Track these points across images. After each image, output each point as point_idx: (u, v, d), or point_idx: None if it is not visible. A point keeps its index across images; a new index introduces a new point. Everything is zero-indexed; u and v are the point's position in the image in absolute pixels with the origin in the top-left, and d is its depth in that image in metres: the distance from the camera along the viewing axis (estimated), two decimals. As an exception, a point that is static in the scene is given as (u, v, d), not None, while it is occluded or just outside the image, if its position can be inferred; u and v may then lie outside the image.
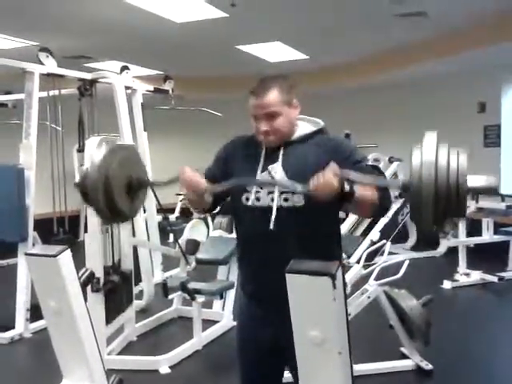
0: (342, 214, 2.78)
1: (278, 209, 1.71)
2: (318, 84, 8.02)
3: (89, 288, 3.13)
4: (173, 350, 3.61)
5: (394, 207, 6.17)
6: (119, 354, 3.69)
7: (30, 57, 4.33)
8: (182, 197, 8.93)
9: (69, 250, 1.73)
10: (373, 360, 3.37)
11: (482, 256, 5.80)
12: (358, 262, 3.64)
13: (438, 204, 1.26)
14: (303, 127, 1.82)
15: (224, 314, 4.15)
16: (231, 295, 4.11)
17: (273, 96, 1.72)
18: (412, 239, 7.20)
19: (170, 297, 4.02)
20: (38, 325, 4.02)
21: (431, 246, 6.77)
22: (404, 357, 3.49)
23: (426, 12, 5.09)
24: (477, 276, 5.51)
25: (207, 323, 3.98)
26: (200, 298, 3.71)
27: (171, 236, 6.68)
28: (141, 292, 4.60)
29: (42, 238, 5.12)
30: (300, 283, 1.39)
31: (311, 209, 1.68)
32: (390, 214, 6.09)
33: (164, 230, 5.63)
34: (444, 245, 6.51)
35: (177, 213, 8.72)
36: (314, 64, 7.43)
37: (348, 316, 1.48)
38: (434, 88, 7.51)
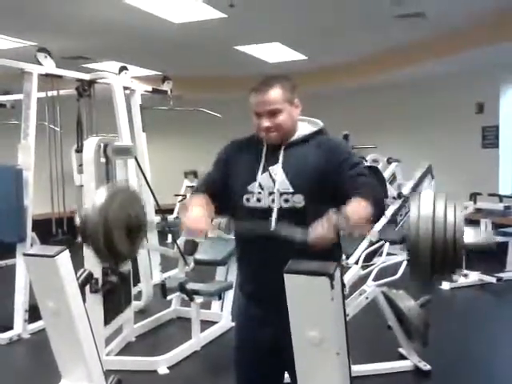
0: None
1: (278, 209, 1.72)
2: (317, 84, 8.03)
3: (87, 289, 3.13)
4: (171, 351, 3.60)
5: (393, 208, 6.19)
6: (118, 354, 3.69)
7: (28, 57, 4.33)
8: (180, 197, 8.94)
9: (67, 251, 1.73)
10: (371, 361, 3.37)
11: (480, 257, 5.79)
12: (356, 262, 3.64)
13: (435, 258, 1.31)
14: (303, 128, 1.83)
15: (222, 315, 4.15)
16: (230, 296, 4.11)
17: (276, 93, 1.74)
18: (410, 240, 7.20)
19: (168, 297, 4.02)
20: (37, 325, 4.02)
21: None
22: (402, 357, 3.49)
23: (425, 12, 5.10)
24: (475, 277, 5.51)
25: (206, 324, 3.98)
26: (198, 299, 3.71)
27: (169, 237, 6.67)
28: (139, 293, 4.60)
29: (41, 238, 5.11)
30: (298, 283, 1.39)
31: (311, 210, 1.69)
32: (388, 214, 6.12)
33: (162, 230, 5.63)
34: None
35: (175, 213, 8.71)
36: (312, 64, 7.44)
37: (346, 316, 1.48)
38: (432, 88, 7.53)
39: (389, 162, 6.83)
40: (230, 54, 6.74)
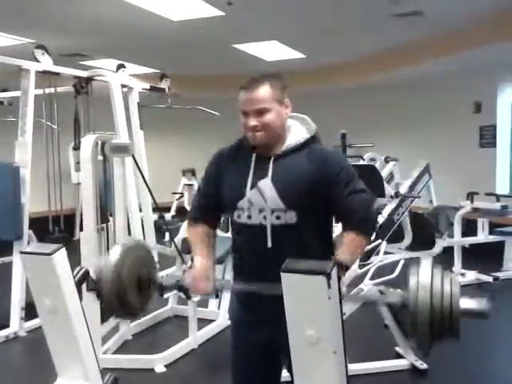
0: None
1: (270, 227, 1.68)
2: (316, 83, 8.04)
3: (84, 287, 3.12)
4: (168, 349, 3.61)
5: (390, 207, 6.20)
6: (114, 352, 3.69)
7: (25, 54, 4.32)
8: (177, 195, 8.94)
9: (64, 249, 1.73)
10: (368, 359, 3.38)
11: (477, 256, 5.82)
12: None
13: (434, 325, 1.40)
14: (295, 133, 1.76)
15: (220, 313, 4.15)
16: (227, 294, 4.11)
17: (265, 91, 1.68)
18: (407, 239, 7.21)
19: (165, 296, 4.01)
20: (33, 323, 4.02)
21: (427, 245, 6.78)
22: (399, 356, 3.50)
23: (423, 12, 5.10)
24: (472, 276, 5.53)
25: (203, 322, 3.98)
26: (195, 297, 3.71)
27: (167, 235, 6.66)
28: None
29: (38, 236, 5.10)
30: (295, 282, 1.39)
31: (304, 225, 1.67)
32: (385, 213, 6.13)
33: (160, 228, 5.62)
34: (439, 245, 6.52)
35: (173, 212, 8.70)
36: (311, 63, 7.44)
37: (343, 315, 1.48)
38: (430, 88, 7.53)
39: (386, 160, 6.84)
40: (228, 52, 6.74)
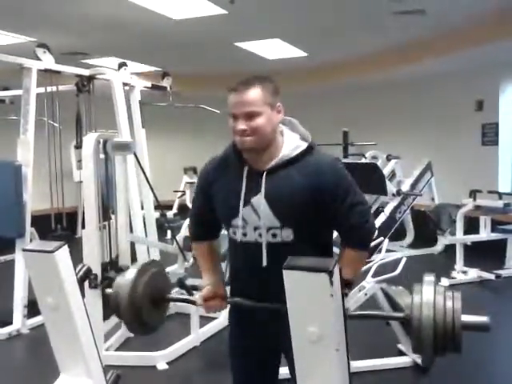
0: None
1: (266, 245, 1.64)
2: (317, 82, 8.02)
3: (86, 284, 3.13)
4: (170, 346, 3.61)
5: (392, 205, 6.20)
6: (117, 349, 3.70)
7: (27, 53, 4.32)
8: (179, 193, 8.94)
9: (66, 246, 1.73)
10: (370, 357, 3.38)
11: (479, 254, 5.81)
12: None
13: (437, 340, 1.45)
14: (288, 142, 1.66)
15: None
16: (228, 292, 4.10)
17: (255, 93, 1.58)
18: (409, 237, 7.21)
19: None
20: (36, 321, 4.03)
21: (429, 243, 6.78)
22: (401, 353, 3.51)
23: (425, 10, 5.08)
24: (474, 274, 5.52)
25: (205, 319, 3.98)
26: (197, 295, 3.71)
27: (169, 233, 6.68)
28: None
29: (40, 234, 5.11)
30: (297, 279, 1.39)
31: (301, 241, 1.63)
32: (387, 211, 6.12)
33: (162, 226, 5.63)
34: (441, 242, 6.52)
35: (174, 209, 8.72)
36: (313, 62, 7.42)
37: (346, 313, 1.48)
38: (432, 86, 7.51)
39: (388, 158, 6.83)
40: (230, 51, 6.73)
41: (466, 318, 1.50)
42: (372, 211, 5.64)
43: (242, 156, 1.69)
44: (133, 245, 4.23)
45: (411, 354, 3.40)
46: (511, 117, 7.15)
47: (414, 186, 6.44)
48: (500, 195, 5.96)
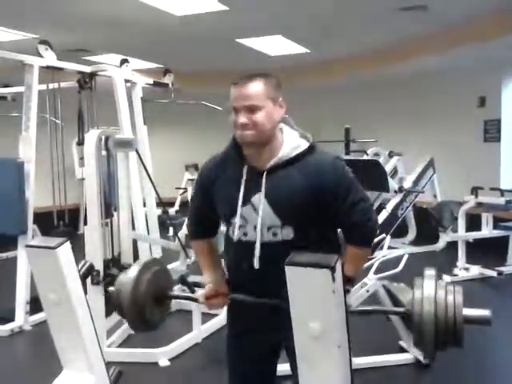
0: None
1: (266, 244, 1.63)
2: (319, 78, 8.01)
3: (89, 280, 3.13)
4: (172, 343, 3.62)
5: (394, 202, 6.20)
6: (119, 346, 3.71)
7: (29, 49, 4.32)
8: (181, 190, 8.95)
9: (68, 243, 1.73)
10: (372, 353, 3.38)
11: (481, 251, 5.81)
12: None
13: (438, 335, 1.45)
14: (288, 140, 1.65)
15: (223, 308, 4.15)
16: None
17: (257, 87, 1.57)
18: (411, 234, 7.21)
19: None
20: (38, 317, 4.03)
21: (431, 240, 6.78)
22: (403, 350, 3.51)
23: (427, 6, 5.07)
24: (476, 271, 5.52)
25: (206, 316, 3.98)
26: (199, 291, 3.71)
27: (171, 230, 6.68)
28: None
29: (42, 231, 5.12)
30: (299, 275, 1.39)
31: (301, 239, 1.62)
32: (389, 208, 6.12)
33: (163, 223, 5.64)
34: (443, 239, 6.51)
35: (176, 206, 8.72)
36: (315, 58, 7.41)
37: (347, 309, 1.48)
38: (434, 82, 7.50)
39: (390, 155, 6.83)
40: (232, 47, 6.72)
41: (468, 311, 1.50)
42: (374, 208, 5.64)
43: (242, 153, 1.68)
44: (135, 242, 4.23)
45: (413, 350, 3.40)
46: (514, 113, 7.13)
47: (416, 182, 6.43)
48: (502, 192, 5.95)
